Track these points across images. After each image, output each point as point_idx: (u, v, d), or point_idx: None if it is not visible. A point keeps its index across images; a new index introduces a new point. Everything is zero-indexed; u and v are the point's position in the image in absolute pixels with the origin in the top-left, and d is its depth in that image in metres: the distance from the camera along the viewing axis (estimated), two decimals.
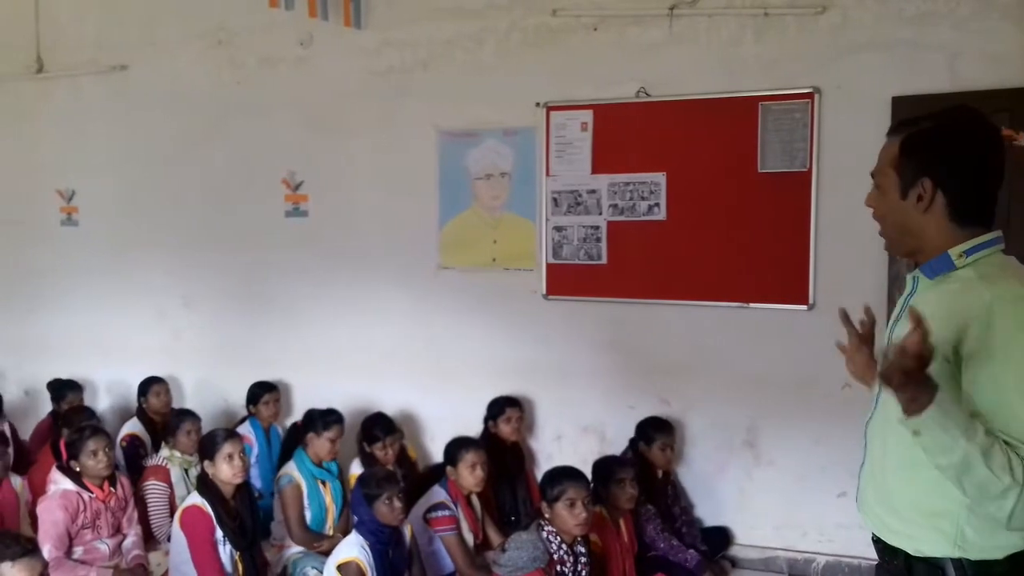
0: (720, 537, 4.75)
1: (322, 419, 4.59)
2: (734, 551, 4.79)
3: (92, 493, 4.16)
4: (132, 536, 4.34)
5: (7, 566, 2.70)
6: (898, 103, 4.23)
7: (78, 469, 4.14)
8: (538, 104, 4.99)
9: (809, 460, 4.60)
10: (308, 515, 4.44)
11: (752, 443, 4.77)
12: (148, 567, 4.29)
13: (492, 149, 5.14)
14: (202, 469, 3.96)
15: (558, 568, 3.35)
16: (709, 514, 4.86)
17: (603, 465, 4.01)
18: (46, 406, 5.90)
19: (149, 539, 4.53)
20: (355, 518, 3.77)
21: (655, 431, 4.56)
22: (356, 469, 4.72)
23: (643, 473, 4.28)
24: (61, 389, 5.73)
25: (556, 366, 5.13)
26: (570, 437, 5.16)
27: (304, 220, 5.66)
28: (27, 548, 2.77)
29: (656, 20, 4.72)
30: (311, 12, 4.97)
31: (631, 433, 4.65)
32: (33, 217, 6.44)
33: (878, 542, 2.04)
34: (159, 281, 6.08)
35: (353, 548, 3.57)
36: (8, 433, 5.10)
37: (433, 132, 5.25)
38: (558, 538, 3.39)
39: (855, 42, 4.39)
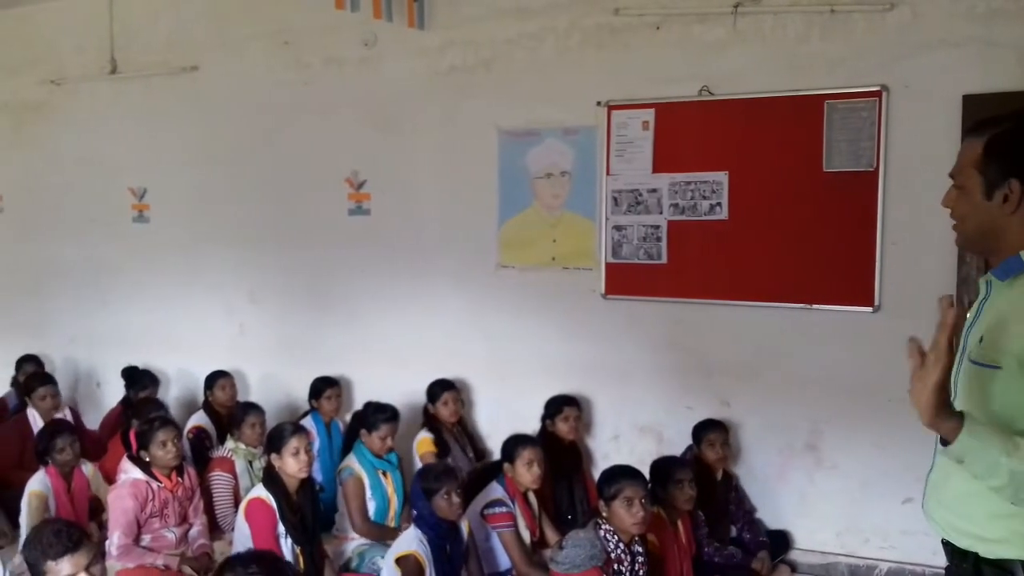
0: (780, 541, 4.68)
1: (374, 417, 4.60)
2: (794, 555, 4.73)
3: (160, 483, 4.28)
4: (198, 525, 4.46)
5: (52, 564, 2.76)
6: (969, 101, 4.13)
7: (148, 459, 4.26)
8: (599, 103, 4.98)
9: (873, 465, 4.52)
10: (372, 506, 4.48)
11: (814, 446, 4.70)
12: (213, 556, 4.40)
13: (552, 148, 5.14)
14: (268, 462, 4.03)
15: (615, 567, 3.35)
16: (769, 517, 4.79)
17: (661, 465, 3.99)
18: (117, 397, 6.08)
19: (214, 529, 4.64)
20: (414, 512, 3.81)
21: (706, 429, 4.53)
22: (423, 434, 5.00)
23: (701, 475, 4.25)
24: (139, 378, 5.90)
25: (614, 366, 5.12)
26: (627, 437, 5.14)
27: (366, 218, 5.74)
28: (75, 542, 2.81)
29: (720, 18, 4.68)
30: (375, 13, 5.03)
31: (689, 434, 4.62)
32: (106, 214, 6.65)
33: (947, 545, 2.01)
34: (226, 277, 6.23)
35: (412, 542, 3.61)
36: (71, 420, 5.28)
37: (494, 131, 5.28)
38: (615, 537, 3.39)
39: (924, 39, 4.29)
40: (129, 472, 4.28)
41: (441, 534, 3.66)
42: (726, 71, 4.69)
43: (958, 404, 1.92)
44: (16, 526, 4.59)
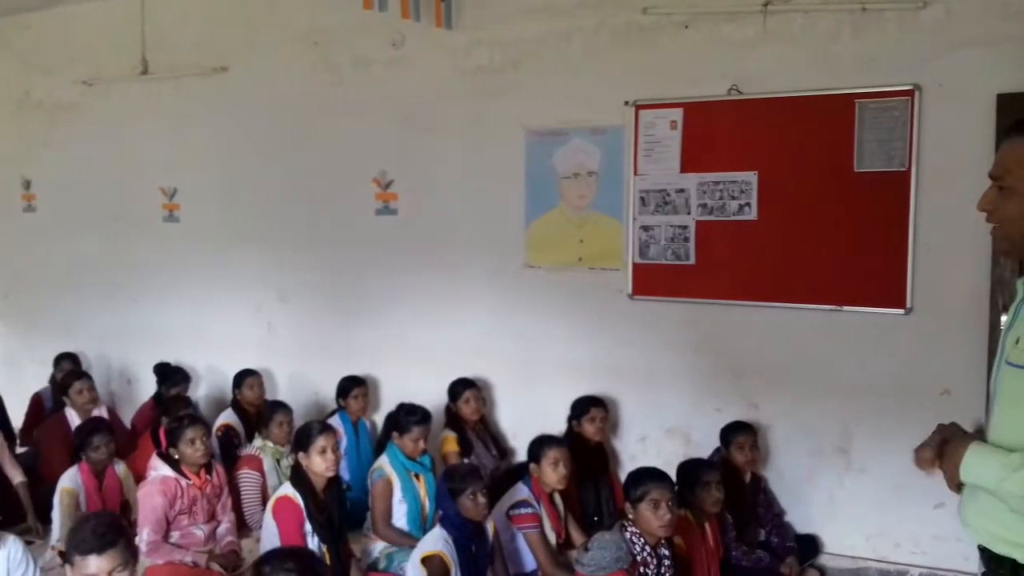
0: (809, 545, 4.64)
1: (406, 419, 4.59)
2: (823, 560, 4.68)
3: (190, 480, 4.32)
4: (226, 523, 4.49)
5: (93, 558, 2.79)
6: (1003, 101, 4.07)
7: (177, 456, 4.30)
8: (627, 103, 4.96)
9: (904, 468, 4.38)
10: (404, 508, 4.47)
11: (844, 450, 4.64)
12: (240, 553, 4.43)
13: (580, 148, 5.13)
14: (296, 461, 4.05)
15: (641, 570, 3.33)
16: (798, 521, 4.75)
17: (688, 468, 3.96)
18: (148, 394, 6.14)
19: (242, 526, 4.68)
20: (439, 512, 3.81)
21: (733, 431, 4.49)
22: (447, 433, 5.03)
23: (729, 477, 4.21)
24: (171, 375, 5.97)
25: (641, 367, 5.09)
26: (654, 438, 5.11)
27: (394, 218, 5.76)
28: (106, 544, 2.83)
29: (749, 17, 4.64)
30: (404, 13, 5.04)
31: (717, 436, 4.58)
32: (137, 213, 6.72)
33: (984, 551, 1.98)
34: (255, 276, 6.27)
35: (437, 542, 3.62)
36: (107, 418, 5.34)
37: (521, 131, 5.27)
38: (641, 539, 3.37)
39: (958, 38, 4.23)
40: (159, 469, 4.33)
41: (467, 534, 3.67)
42: (755, 70, 4.65)
43: (996, 407, 1.90)
44: (48, 522, 4.65)
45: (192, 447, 4.29)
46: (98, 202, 6.88)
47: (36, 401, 6.29)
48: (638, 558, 3.34)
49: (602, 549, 3.30)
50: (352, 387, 5.44)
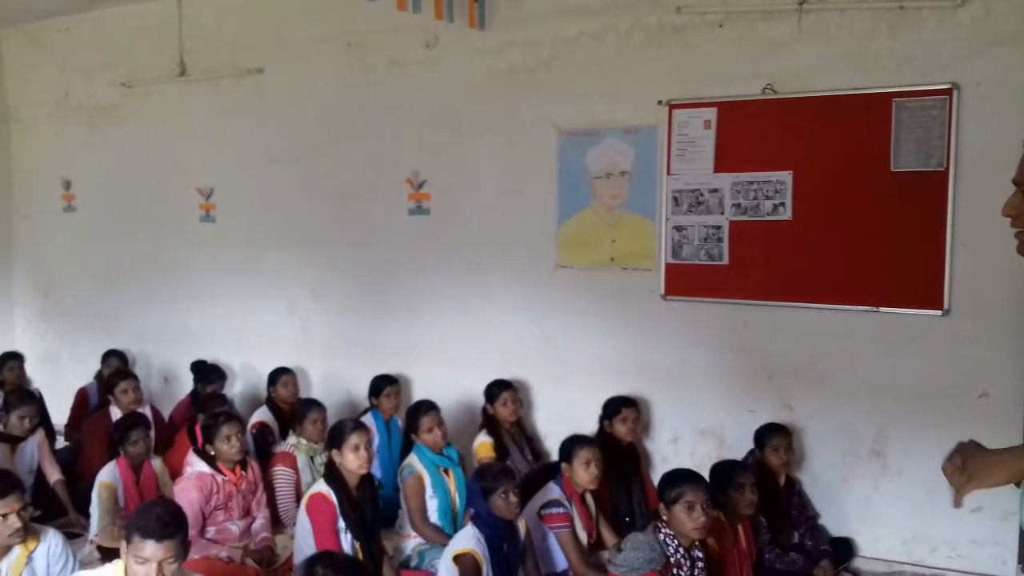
0: (843, 548, 4.59)
1: (411, 418, 4.65)
2: (857, 563, 4.63)
3: (225, 476, 4.37)
4: (260, 519, 4.54)
5: (151, 544, 2.85)
6: None
7: (213, 453, 4.35)
8: (660, 102, 4.94)
9: (941, 472, 4.39)
10: (435, 504, 4.49)
11: (880, 452, 4.60)
12: (275, 549, 4.48)
13: (612, 148, 5.12)
14: (329, 458, 4.08)
15: (674, 571, 3.31)
16: (833, 524, 4.71)
17: (722, 469, 3.94)
18: (184, 391, 6.22)
19: (276, 522, 4.72)
20: (471, 510, 3.83)
21: (769, 434, 4.46)
22: (483, 438, 5.02)
23: (763, 480, 4.18)
24: (207, 373, 6.04)
25: (674, 367, 5.08)
26: (687, 439, 5.09)
27: (426, 218, 5.78)
28: (174, 530, 2.91)
29: (784, 15, 4.61)
30: (437, 14, 5.07)
31: (751, 438, 4.55)
32: (175, 214, 6.82)
33: None
34: (290, 275, 6.33)
35: (469, 540, 3.62)
36: (151, 417, 5.41)
37: (554, 131, 5.28)
38: (675, 541, 3.35)
39: (997, 36, 4.17)
40: (195, 465, 4.38)
41: (498, 533, 3.67)
42: (790, 69, 4.62)
43: None
44: (88, 517, 4.72)
45: (228, 444, 4.35)
46: (136, 202, 6.99)
47: (81, 397, 6.39)
48: (671, 559, 3.32)
49: (635, 550, 3.29)
50: (384, 386, 5.46)
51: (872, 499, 4.63)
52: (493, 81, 5.46)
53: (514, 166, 5.46)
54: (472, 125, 5.57)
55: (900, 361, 4.49)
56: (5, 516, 3.28)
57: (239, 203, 6.55)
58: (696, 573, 3.39)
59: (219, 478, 4.35)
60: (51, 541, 3.49)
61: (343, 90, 6.00)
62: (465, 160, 5.62)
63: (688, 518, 3.32)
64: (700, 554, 3.44)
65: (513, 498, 3.69)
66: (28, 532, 3.39)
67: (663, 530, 3.37)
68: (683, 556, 3.34)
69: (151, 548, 2.84)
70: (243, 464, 4.48)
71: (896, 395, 4.50)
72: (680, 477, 3.46)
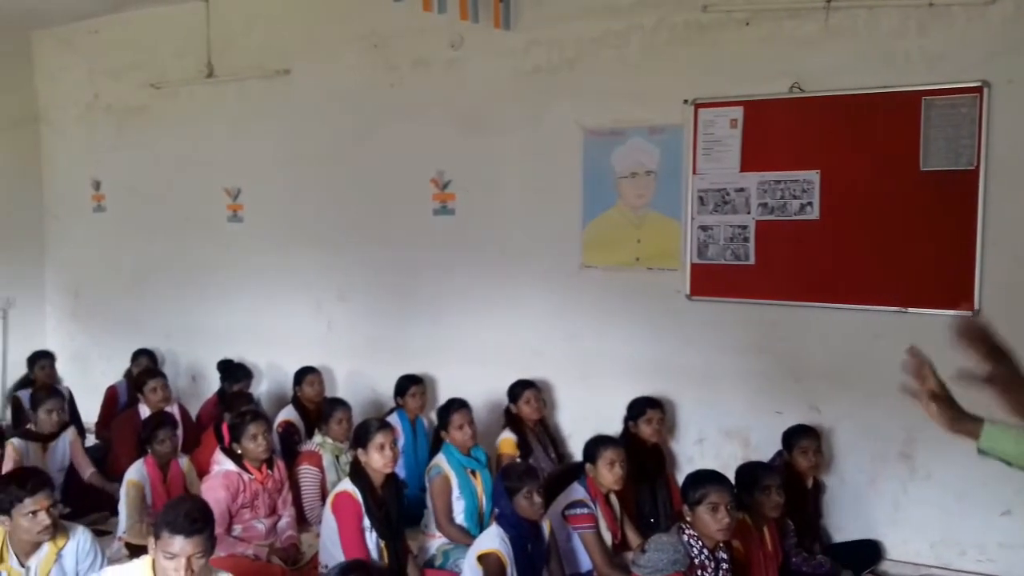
0: (870, 551, 4.55)
1: (443, 413, 4.67)
2: (885, 567, 4.59)
3: (252, 475, 4.40)
4: (286, 517, 4.57)
5: (180, 539, 2.89)
6: None
7: (239, 451, 4.39)
8: (686, 101, 4.92)
9: (971, 475, 4.34)
10: (462, 504, 4.50)
11: (908, 455, 4.55)
12: (300, 547, 4.50)
13: (637, 147, 5.10)
14: (355, 457, 4.09)
15: (699, 573, 3.30)
16: (860, 527, 4.67)
17: (748, 471, 3.91)
18: (211, 390, 6.27)
19: (301, 521, 4.74)
20: (495, 510, 3.83)
21: (796, 435, 4.42)
22: (506, 435, 5.02)
23: (790, 482, 4.14)
24: (234, 371, 6.09)
25: (699, 368, 5.05)
26: (712, 440, 5.06)
27: (451, 218, 5.79)
28: (202, 526, 2.95)
29: (812, 13, 4.57)
30: (462, 14, 5.08)
31: (777, 439, 4.52)
32: (203, 214, 6.88)
33: None
34: (316, 275, 6.37)
35: (494, 540, 3.62)
36: (178, 415, 5.46)
37: (578, 131, 5.27)
38: (699, 542, 3.33)
39: None
40: (222, 464, 4.41)
41: (523, 533, 3.67)
42: (818, 67, 4.58)
43: None
44: (116, 514, 4.78)
45: (254, 442, 4.38)
46: (165, 202, 7.06)
47: (111, 394, 6.46)
48: (696, 561, 3.30)
49: (659, 551, 3.28)
50: (409, 385, 5.48)
51: (900, 502, 4.59)
52: (518, 81, 5.46)
53: (539, 166, 5.46)
54: (497, 125, 5.57)
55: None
56: (35, 513, 3.32)
57: (266, 203, 6.60)
58: (721, 575, 3.37)
59: (246, 476, 4.38)
60: (80, 538, 3.53)
61: (369, 91, 6.02)
62: (490, 160, 5.62)
63: (712, 519, 3.30)
64: (725, 556, 3.41)
65: (537, 498, 3.69)
66: (57, 529, 3.44)
67: (687, 531, 3.35)
68: (707, 558, 3.32)
69: (180, 543, 2.88)
70: (269, 463, 4.51)
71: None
72: (704, 478, 3.43)
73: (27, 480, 3.38)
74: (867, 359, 4.59)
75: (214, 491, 4.27)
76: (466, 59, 5.64)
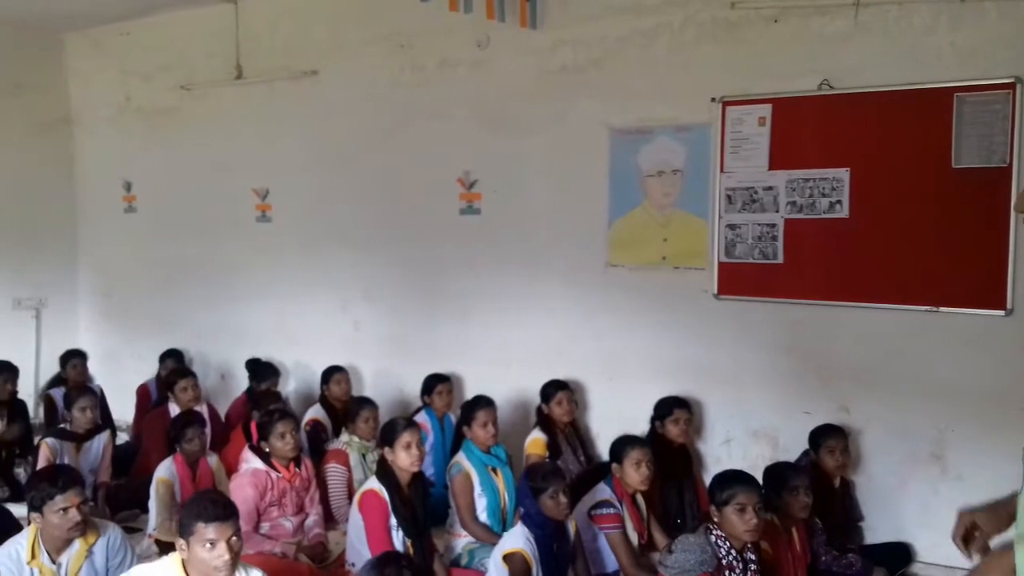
0: (900, 552, 4.49)
1: (469, 409, 4.64)
2: (916, 569, 4.53)
3: (279, 473, 4.43)
4: (314, 515, 4.59)
5: (216, 525, 2.93)
6: None
7: (267, 450, 4.42)
8: (713, 99, 4.89)
9: (1004, 476, 4.24)
10: (483, 502, 4.50)
11: (939, 456, 4.49)
12: (327, 545, 4.52)
13: (664, 146, 5.08)
14: (382, 456, 4.10)
15: (727, 574, 3.28)
16: (889, 529, 4.61)
17: (776, 472, 3.87)
18: (240, 389, 6.32)
19: (328, 519, 4.77)
20: (520, 509, 3.82)
21: (825, 435, 4.37)
22: (536, 435, 5.02)
23: (818, 482, 4.10)
24: (262, 370, 6.13)
25: (727, 368, 5.01)
26: (740, 441, 5.03)
27: (477, 218, 5.80)
28: (232, 509, 3.01)
29: (841, 10, 4.52)
30: (488, 14, 5.08)
31: (806, 439, 4.47)
32: (231, 214, 6.94)
33: None
34: (343, 275, 6.40)
35: (519, 539, 3.62)
36: (207, 415, 5.51)
37: (605, 130, 5.25)
38: (727, 543, 3.31)
39: None
40: (250, 462, 4.45)
41: (548, 532, 3.66)
42: (848, 64, 4.54)
43: None
44: (146, 512, 4.83)
45: (282, 441, 4.40)
46: (195, 203, 7.13)
47: (144, 392, 6.52)
48: (723, 562, 3.28)
49: (686, 552, 3.26)
50: (436, 384, 5.49)
51: (931, 504, 4.52)
52: (544, 80, 5.46)
53: (565, 165, 5.44)
54: (523, 124, 5.57)
55: (961, 362, 4.38)
56: (66, 510, 3.36)
57: (294, 203, 6.64)
58: None
59: (273, 475, 4.41)
60: (110, 534, 3.58)
61: (395, 91, 6.05)
62: (516, 160, 5.62)
63: (740, 520, 3.28)
64: (753, 557, 3.39)
65: (563, 499, 3.67)
66: (88, 526, 3.48)
67: (714, 532, 3.33)
68: (735, 558, 3.30)
69: (215, 529, 2.92)
70: (297, 461, 4.53)
71: (957, 397, 4.39)
72: (732, 479, 3.41)
73: (58, 477, 3.42)
74: (898, 359, 4.55)
75: (242, 489, 4.30)
76: (492, 59, 5.64)
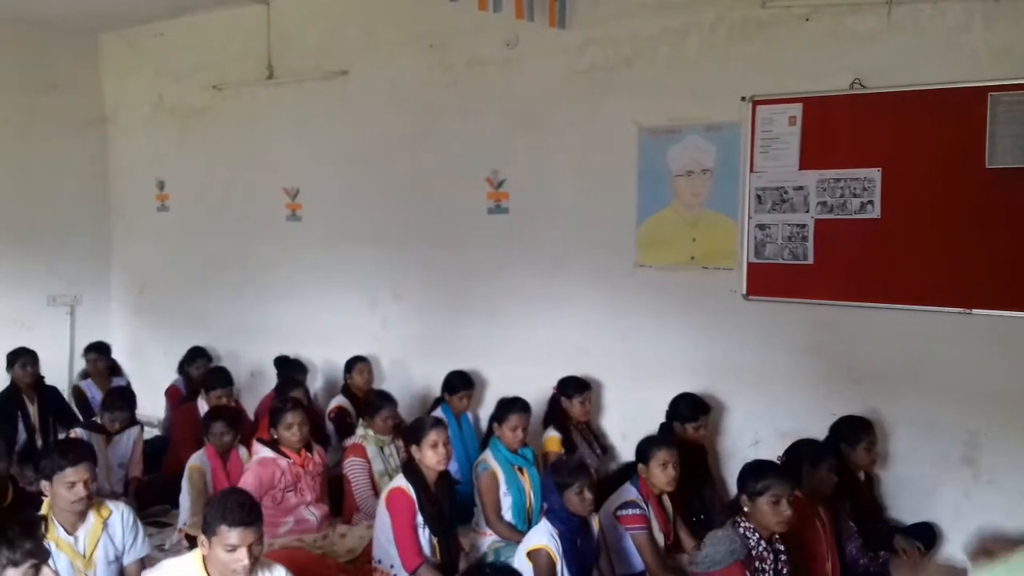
0: (927, 534, 4.43)
1: (504, 409, 4.65)
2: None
3: (289, 458, 4.47)
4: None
5: (239, 530, 2.93)
6: None
7: (275, 437, 4.48)
8: (744, 98, 4.86)
9: None
10: (509, 500, 4.50)
11: (971, 460, 4.43)
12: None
13: (694, 145, 5.05)
14: (409, 454, 4.12)
15: (757, 564, 3.26)
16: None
17: (802, 448, 3.86)
18: (271, 385, 6.36)
19: (354, 511, 4.78)
20: (544, 505, 3.82)
21: (853, 430, 4.33)
22: (551, 433, 5.04)
23: (843, 476, 4.06)
24: (290, 367, 6.20)
25: (755, 369, 4.98)
26: (768, 442, 4.97)
27: (505, 217, 5.80)
28: (257, 515, 3.02)
29: (874, 8, 4.48)
30: (518, 13, 5.08)
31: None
32: (262, 213, 7.00)
33: None
34: (372, 273, 6.44)
35: (543, 536, 3.61)
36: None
37: (634, 129, 5.24)
38: (755, 534, 3.30)
39: None
40: (259, 452, 4.51)
41: (572, 528, 3.65)
42: (880, 63, 4.50)
43: None
44: (176, 507, 4.88)
45: (289, 431, 4.46)
46: (226, 202, 7.21)
47: (175, 392, 6.51)
48: (754, 552, 3.27)
49: (716, 544, 3.25)
50: (460, 389, 5.51)
51: (962, 507, 4.46)
52: (573, 79, 5.45)
53: (593, 165, 5.44)
54: (552, 124, 5.57)
55: (994, 365, 4.32)
56: (73, 484, 3.39)
57: (324, 202, 6.69)
58: (780, 567, 3.34)
59: (283, 461, 4.46)
60: (123, 510, 3.64)
61: (424, 91, 6.07)
62: (544, 159, 5.62)
63: (773, 511, 3.28)
64: (782, 547, 3.38)
65: (588, 495, 3.67)
66: (91, 503, 3.49)
67: (743, 524, 3.32)
68: (765, 549, 3.30)
69: (238, 535, 2.93)
70: (308, 448, 4.59)
71: (990, 400, 4.33)
72: (767, 469, 3.42)
73: (70, 451, 3.47)
74: (929, 361, 4.49)
75: (245, 479, 4.38)
76: (521, 58, 5.65)
